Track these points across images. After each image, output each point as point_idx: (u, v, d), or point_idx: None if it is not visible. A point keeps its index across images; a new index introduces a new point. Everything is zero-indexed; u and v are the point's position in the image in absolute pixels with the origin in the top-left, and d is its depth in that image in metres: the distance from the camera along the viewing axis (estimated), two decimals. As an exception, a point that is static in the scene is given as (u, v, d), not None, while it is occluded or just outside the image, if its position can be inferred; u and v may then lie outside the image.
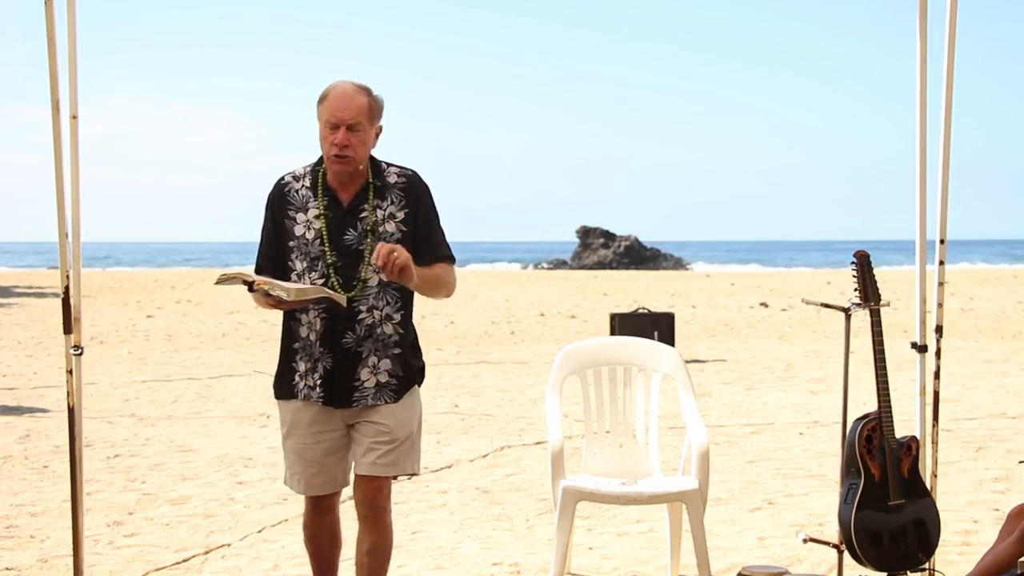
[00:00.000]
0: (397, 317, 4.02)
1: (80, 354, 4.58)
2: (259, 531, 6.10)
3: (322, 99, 3.96)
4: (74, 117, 4.55)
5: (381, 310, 3.98)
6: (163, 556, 5.63)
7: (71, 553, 4.70)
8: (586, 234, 56.01)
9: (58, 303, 4.92)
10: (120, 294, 26.83)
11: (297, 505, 6.58)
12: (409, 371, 4.08)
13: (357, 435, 4.05)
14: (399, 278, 3.83)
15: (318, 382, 3.98)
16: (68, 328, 4.55)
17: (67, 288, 4.53)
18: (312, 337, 3.98)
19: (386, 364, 4.00)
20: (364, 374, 3.98)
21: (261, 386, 11.76)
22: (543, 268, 52.90)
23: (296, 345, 4.03)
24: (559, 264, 55.14)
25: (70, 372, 4.57)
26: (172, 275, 37.78)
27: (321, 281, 3.92)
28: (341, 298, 3.86)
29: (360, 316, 3.95)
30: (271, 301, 3.82)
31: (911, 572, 4.73)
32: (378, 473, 4.02)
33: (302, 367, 4.02)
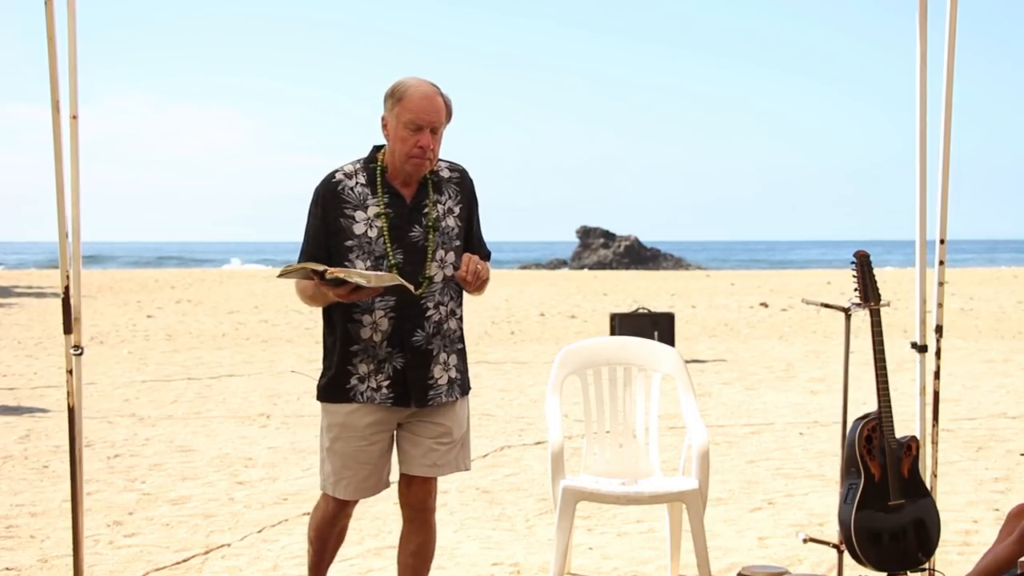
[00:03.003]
0: (459, 312, 4.04)
1: (80, 354, 4.58)
2: (259, 531, 6.10)
3: (399, 98, 3.86)
4: (74, 117, 4.55)
5: (446, 305, 3.97)
6: (163, 556, 5.63)
7: (71, 553, 4.70)
8: (586, 234, 56.02)
9: (58, 303, 4.93)
10: (120, 294, 26.82)
11: (297, 505, 6.59)
12: (467, 366, 4.11)
13: (412, 435, 4.01)
14: (479, 290, 3.88)
15: (385, 383, 3.91)
16: (68, 328, 4.55)
17: (67, 288, 4.53)
18: (377, 338, 3.89)
19: (454, 360, 4.01)
20: (437, 371, 3.95)
21: (261, 386, 11.76)
22: (540, 268, 52.81)
23: (355, 348, 3.91)
24: (558, 264, 55.11)
25: (70, 372, 4.57)
26: (172, 275, 37.78)
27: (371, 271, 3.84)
28: (411, 285, 3.79)
29: (428, 313, 3.92)
30: (341, 291, 3.68)
31: (911, 572, 4.73)
32: (436, 474, 4.03)
33: (363, 369, 3.91)
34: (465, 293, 4.04)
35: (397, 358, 3.90)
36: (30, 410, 10.23)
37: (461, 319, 4.06)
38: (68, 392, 4.59)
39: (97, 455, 8.13)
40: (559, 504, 4.85)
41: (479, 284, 3.86)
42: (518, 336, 17.56)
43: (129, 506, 6.67)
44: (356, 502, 4.11)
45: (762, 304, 23.16)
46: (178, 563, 5.52)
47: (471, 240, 4.07)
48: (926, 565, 4.75)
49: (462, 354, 4.06)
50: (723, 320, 20.17)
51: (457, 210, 4.01)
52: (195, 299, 25.30)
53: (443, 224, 3.95)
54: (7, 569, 5.42)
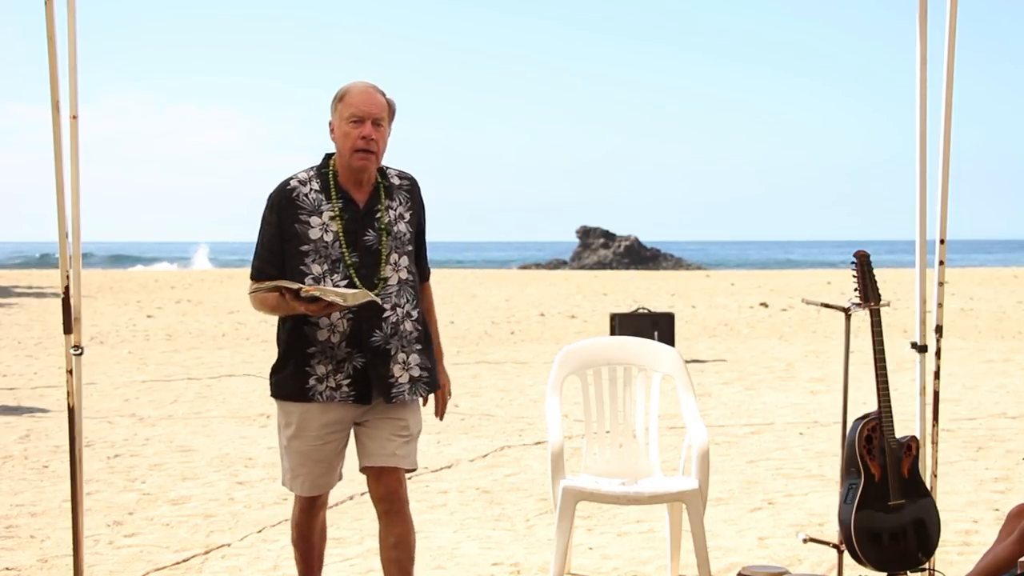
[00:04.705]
0: (415, 314, 4.10)
1: (80, 354, 4.58)
2: (259, 531, 6.10)
3: (342, 96, 4.02)
4: (74, 117, 4.55)
5: (402, 307, 4.05)
6: (163, 556, 5.63)
7: (71, 553, 4.70)
8: (586, 234, 55.99)
9: (58, 303, 4.92)
10: (120, 294, 26.82)
11: (297, 505, 6.58)
12: (434, 366, 4.17)
13: (370, 430, 4.08)
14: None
15: (345, 382, 3.98)
16: (68, 328, 4.55)
17: (67, 288, 4.53)
18: (335, 339, 3.96)
19: (415, 359, 4.08)
20: (397, 370, 4.03)
21: (261, 386, 11.76)
22: (540, 268, 52.79)
23: (312, 349, 3.98)
24: (558, 264, 55.10)
25: (70, 372, 4.57)
26: (172, 275, 37.77)
27: (345, 283, 3.95)
28: (377, 299, 3.91)
29: (385, 314, 4.00)
30: (314, 307, 3.79)
31: (911, 572, 4.73)
32: (400, 464, 4.08)
33: (320, 370, 3.99)
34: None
35: (357, 358, 3.98)
36: (30, 410, 10.23)
37: (421, 320, 4.13)
38: (68, 392, 4.59)
39: (97, 455, 8.13)
40: (559, 504, 4.85)
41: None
42: (518, 336, 17.56)
43: (129, 506, 6.67)
44: (327, 497, 4.23)
45: (762, 304, 23.16)
46: (178, 563, 5.52)
47: (419, 250, 4.19)
48: (926, 565, 4.75)
49: (422, 353, 4.11)
50: (723, 320, 20.17)
51: (408, 216, 4.12)
52: (195, 299, 25.30)
53: (395, 229, 4.07)
54: (7, 569, 5.42)
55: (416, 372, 4.08)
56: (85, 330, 4.92)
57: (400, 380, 4.04)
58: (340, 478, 4.22)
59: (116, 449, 8.42)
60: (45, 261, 60.40)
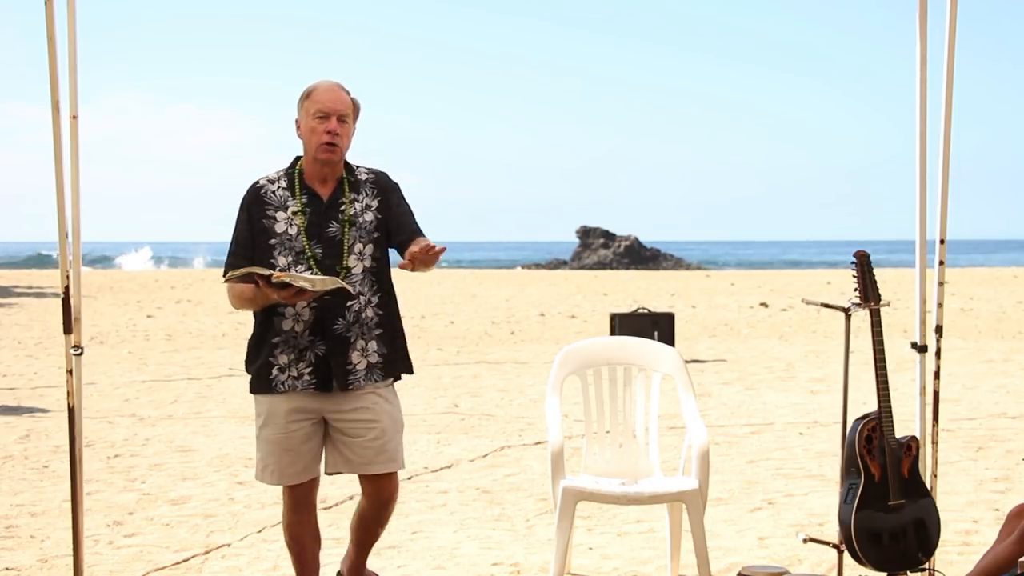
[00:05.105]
0: (375, 300, 4.25)
1: (80, 354, 4.58)
2: (259, 531, 6.10)
3: (307, 94, 4.22)
4: (74, 117, 4.56)
5: (365, 295, 4.22)
6: (163, 556, 5.63)
7: (71, 553, 4.70)
8: (586, 234, 55.97)
9: (58, 303, 4.93)
10: (120, 294, 26.81)
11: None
12: (393, 351, 4.27)
13: (346, 438, 4.24)
14: (426, 264, 4.05)
15: (306, 371, 4.15)
16: (68, 328, 4.55)
17: (67, 288, 4.53)
18: (299, 328, 4.14)
19: (373, 346, 4.23)
20: (355, 357, 4.19)
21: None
22: (540, 268, 52.76)
23: (277, 339, 4.17)
24: (558, 264, 55.08)
25: (70, 372, 4.57)
26: (172, 275, 37.78)
27: (308, 273, 4.11)
28: (350, 288, 4.08)
29: (349, 303, 4.17)
30: (285, 294, 3.94)
31: (911, 572, 4.73)
32: (382, 471, 4.28)
33: (283, 360, 4.17)
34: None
35: (319, 345, 4.16)
36: (30, 410, 10.23)
37: (382, 306, 4.26)
38: (68, 392, 4.59)
39: (97, 455, 8.13)
40: (559, 504, 4.85)
41: (430, 257, 4.02)
42: (518, 336, 17.55)
43: (129, 506, 6.67)
44: (312, 495, 4.35)
45: (762, 304, 23.16)
46: (178, 563, 5.52)
47: (401, 226, 4.27)
48: (926, 565, 4.75)
49: (381, 339, 4.25)
50: (723, 320, 20.17)
51: (375, 204, 4.28)
52: (195, 299, 25.30)
53: (360, 219, 4.24)
54: (7, 569, 5.42)
55: (374, 359, 4.22)
56: (85, 330, 4.92)
57: (358, 367, 4.19)
58: (317, 475, 4.31)
59: (116, 449, 8.42)
60: (36, 261, 60.23)
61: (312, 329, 4.14)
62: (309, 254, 4.16)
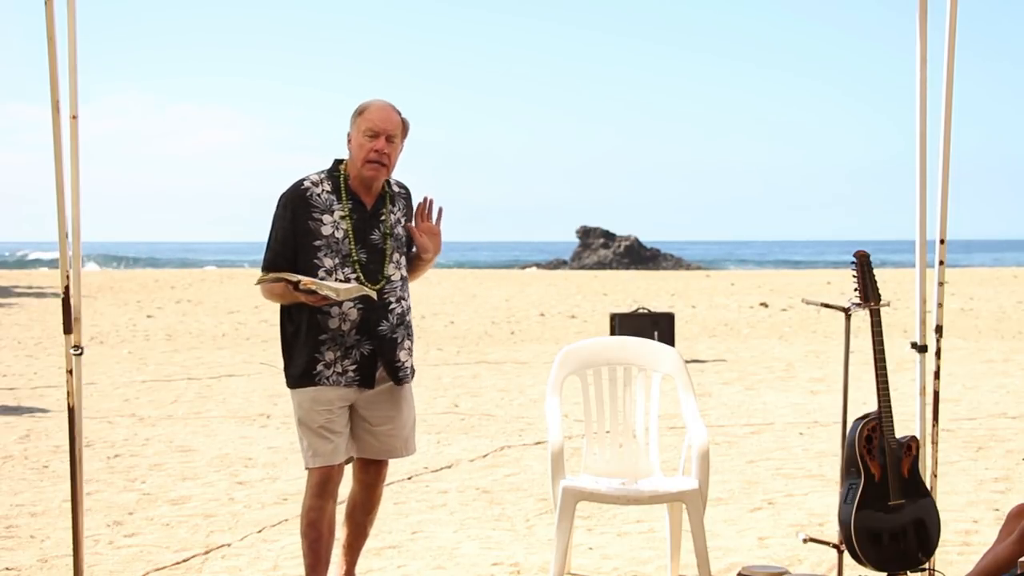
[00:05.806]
0: (411, 305, 4.56)
1: (80, 354, 4.58)
2: (259, 531, 6.10)
3: (362, 111, 4.41)
4: (74, 117, 4.56)
5: (406, 300, 4.51)
6: (163, 556, 5.64)
7: (71, 553, 4.70)
8: (586, 234, 55.97)
9: (58, 303, 4.93)
10: (120, 294, 26.82)
11: (297, 505, 6.57)
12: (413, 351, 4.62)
13: (368, 425, 4.49)
14: (433, 244, 4.51)
15: (352, 367, 4.37)
16: (68, 328, 4.55)
17: (67, 288, 4.53)
18: (345, 327, 4.34)
19: (409, 345, 4.53)
20: (403, 355, 4.48)
21: (261, 386, 11.77)
22: (540, 268, 52.76)
23: (324, 336, 4.34)
24: (558, 264, 55.08)
25: (70, 372, 4.57)
26: (172, 275, 37.79)
27: (355, 276, 4.34)
28: (372, 293, 4.29)
29: (391, 307, 4.42)
30: (312, 298, 4.18)
31: (911, 572, 4.73)
32: (399, 456, 4.60)
33: (329, 356, 4.36)
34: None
35: (365, 345, 4.38)
36: (30, 410, 10.24)
37: (408, 311, 4.56)
38: (68, 392, 4.59)
39: (97, 455, 8.13)
40: (559, 504, 4.85)
41: (437, 229, 4.52)
42: (518, 336, 17.56)
43: (129, 506, 6.67)
44: (336, 484, 4.45)
45: (762, 304, 23.16)
46: (178, 563, 5.52)
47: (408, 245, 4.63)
48: (926, 565, 4.75)
49: (413, 339, 4.58)
50: (723, 320, 20.17)
51: (404, 220, 4.55)
52: (195, 299, 25.31)
53: (396, 231, 4.49)
54: (7, 569, 5.42)
55: (411, 358, 4.54)
56: (85, 330, 4.93)
57: (405, 364, 4.49)
58: (352, 455, 4.52)
59: (116, 449, 8.42)
60: (26, 262, 60.03)
61: (359, 329, 4.34)
62: (355, 258, 4.36)
